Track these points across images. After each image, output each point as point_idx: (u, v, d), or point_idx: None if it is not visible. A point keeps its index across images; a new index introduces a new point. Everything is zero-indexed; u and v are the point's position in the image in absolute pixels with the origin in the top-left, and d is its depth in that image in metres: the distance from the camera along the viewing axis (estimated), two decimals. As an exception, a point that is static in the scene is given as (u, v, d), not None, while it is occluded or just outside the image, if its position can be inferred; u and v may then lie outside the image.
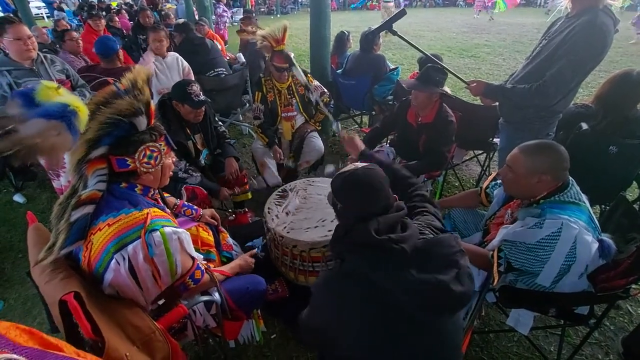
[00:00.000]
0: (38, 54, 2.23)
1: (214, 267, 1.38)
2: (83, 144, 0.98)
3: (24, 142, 0.84)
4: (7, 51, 2.17)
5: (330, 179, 1.02)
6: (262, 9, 18.73)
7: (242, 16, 7.40)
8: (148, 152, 1.07)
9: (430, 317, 0.85)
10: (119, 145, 1.02)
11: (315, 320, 0.97)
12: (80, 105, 0.95)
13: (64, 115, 0.90)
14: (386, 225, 0.88)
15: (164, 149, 1.13)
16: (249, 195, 2.39)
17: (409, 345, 0.85)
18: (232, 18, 10.60)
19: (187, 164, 2.02)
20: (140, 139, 1.05)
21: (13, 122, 0.85)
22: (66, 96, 0.94)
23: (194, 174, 2.02)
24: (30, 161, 0.92)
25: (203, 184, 2.03)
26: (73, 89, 2.30)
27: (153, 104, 1.10)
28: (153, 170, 1.10)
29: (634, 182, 2.01)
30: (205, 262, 1.35)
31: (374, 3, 18.83)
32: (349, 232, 0.90)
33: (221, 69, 3.48)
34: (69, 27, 5.37)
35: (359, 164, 1.01)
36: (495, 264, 1.26)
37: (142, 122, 1.06)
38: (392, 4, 10.96)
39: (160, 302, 1.13)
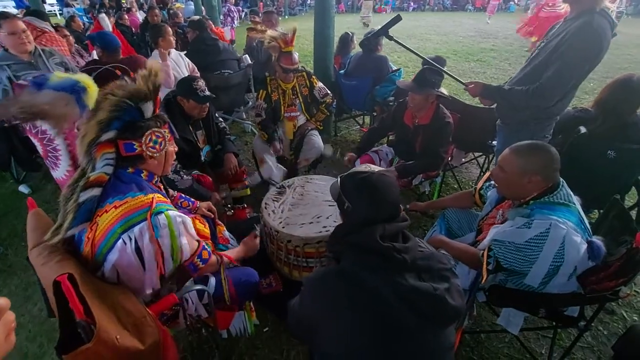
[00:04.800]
0: (35, 47, 2.29)
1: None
2: (95, 124, 1.04)
3: (33, 107, 0.92)
4: (6, 46, 2.24)
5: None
6: (270, 10, 18.88)
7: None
8: (154, 137, 1.13)
9: (419, 326, 0.84)
10: (126, 129, 1.08)
11: (305, 313, 0.97)
12: (90, 83, 1.03)
13: (74, 89, 0.99)
14: (390, 232, 0.88)
15: (167, 136, 1.19)
16: (248, 191, 2.42)
17: (395, 353, 0.83)
18: (240, 18, 10.67)
19: (179, 165, 1.91)
20: (147, 125, 1.12)
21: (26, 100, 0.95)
22: (77, 76, 1.03)
23: (185, 176, 1.90)
24: (35, 121, 0.98)
25: (193, 190, 1.91)
26: None
27: (160, 95, 1.17)
28: (158, 155, 1.16)
29: (634, 188, 2.00)
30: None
31: (382, 7, 19.03)
32: (352, 233, 0.91)
33: (228, 70, 3.47)
34: (82, 26, 5.49)
35: (374, 167, 1.01)
36: (485, 263, 1.27)
37: (148, 109, 1.12)
38: (370, 2, 10.93)
39: (171, 283, 1.20)
